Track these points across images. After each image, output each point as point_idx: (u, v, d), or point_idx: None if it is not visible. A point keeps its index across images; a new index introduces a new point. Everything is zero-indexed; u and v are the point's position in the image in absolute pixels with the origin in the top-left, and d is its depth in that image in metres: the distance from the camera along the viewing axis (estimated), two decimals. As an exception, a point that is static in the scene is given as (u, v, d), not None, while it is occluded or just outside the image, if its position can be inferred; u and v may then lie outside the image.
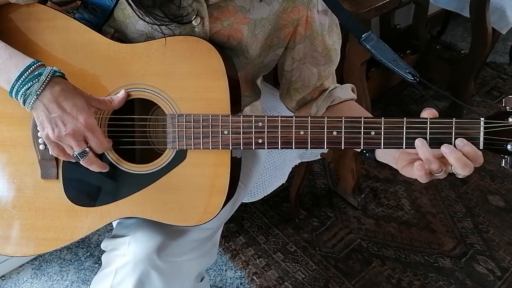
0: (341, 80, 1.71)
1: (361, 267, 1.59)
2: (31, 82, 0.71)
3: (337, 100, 0.95)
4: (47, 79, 0.71)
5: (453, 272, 1.57)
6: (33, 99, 0.71)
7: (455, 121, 0.70)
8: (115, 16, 0.82)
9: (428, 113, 0.71)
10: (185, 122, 0.77)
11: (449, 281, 1.54)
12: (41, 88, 0.71)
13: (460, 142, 0.69)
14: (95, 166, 0.78)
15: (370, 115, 0.89)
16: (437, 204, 1.81)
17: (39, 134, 0.78)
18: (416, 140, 0.70)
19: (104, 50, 0.80)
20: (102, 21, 0.82)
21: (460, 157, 0.68)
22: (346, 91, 0.96)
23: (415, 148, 0.71)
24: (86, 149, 0.75)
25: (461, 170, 0.68)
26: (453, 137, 0.70)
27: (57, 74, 0.73)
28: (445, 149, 0.69)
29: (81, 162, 0.76)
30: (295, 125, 0.74)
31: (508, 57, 2.61)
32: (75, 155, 0.75)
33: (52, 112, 0.72)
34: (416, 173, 0.71)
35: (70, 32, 0.80)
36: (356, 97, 0.98)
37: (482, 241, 1.66)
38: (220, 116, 0.76)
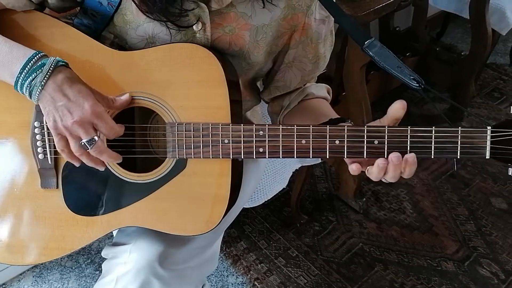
0: (340, 83, 1.72)
1: (364, 271, 1.58)
2: (35, 73, 0.69)
3: (311, 95, 0.95)
4: (51, 68, 0.70)
5: (457, 275, 1.56)
6: (39, 90, 0.69)
7: (461, 130, 0.68)
8: (115, 21, 0.81)
9: (397, 108, 0.71)
10: (185, 131, 0.77)
11: (453, 284, 1.53)
12: (46, 78, 0.69)
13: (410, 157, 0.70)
14: (106, 156, 0.73)
15: (336, 114, 0.89)
16: (439, 207, 1.80)
17: (47, 125, 0.74)
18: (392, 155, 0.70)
19: (102, 57, 0.79)
20: (101, 27, 0.82)
21: (397, 175, 0.71)
22: (321, 89, 0.97)
23: (422, 156, 0.70)
24: (95, 137, 0.71)
25: (392, 179, 0.72)
26: (458, 146, 0.69)
27: (61, 63, 0.71)
28: (395, 160, 0.69)
29: (91, 152, 0.72)
30: (296, 134, 0.73)
31: (508, 58, 2.60)
32: (83, 143, 0.71)
33: (58, 101, 0.70)
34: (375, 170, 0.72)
35: (68, 40, 0.79)
36: (330, 99, 0.98)
37: (485, 244, 1.66)
38: (220, 124, 0.75)
